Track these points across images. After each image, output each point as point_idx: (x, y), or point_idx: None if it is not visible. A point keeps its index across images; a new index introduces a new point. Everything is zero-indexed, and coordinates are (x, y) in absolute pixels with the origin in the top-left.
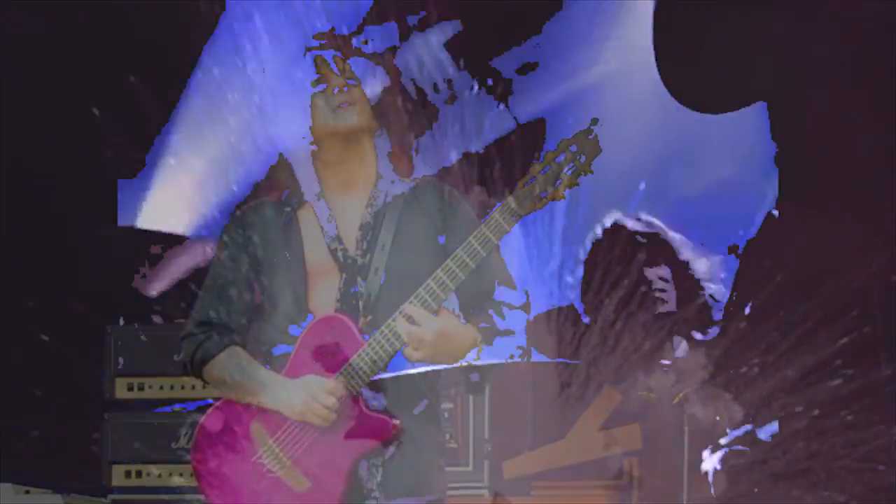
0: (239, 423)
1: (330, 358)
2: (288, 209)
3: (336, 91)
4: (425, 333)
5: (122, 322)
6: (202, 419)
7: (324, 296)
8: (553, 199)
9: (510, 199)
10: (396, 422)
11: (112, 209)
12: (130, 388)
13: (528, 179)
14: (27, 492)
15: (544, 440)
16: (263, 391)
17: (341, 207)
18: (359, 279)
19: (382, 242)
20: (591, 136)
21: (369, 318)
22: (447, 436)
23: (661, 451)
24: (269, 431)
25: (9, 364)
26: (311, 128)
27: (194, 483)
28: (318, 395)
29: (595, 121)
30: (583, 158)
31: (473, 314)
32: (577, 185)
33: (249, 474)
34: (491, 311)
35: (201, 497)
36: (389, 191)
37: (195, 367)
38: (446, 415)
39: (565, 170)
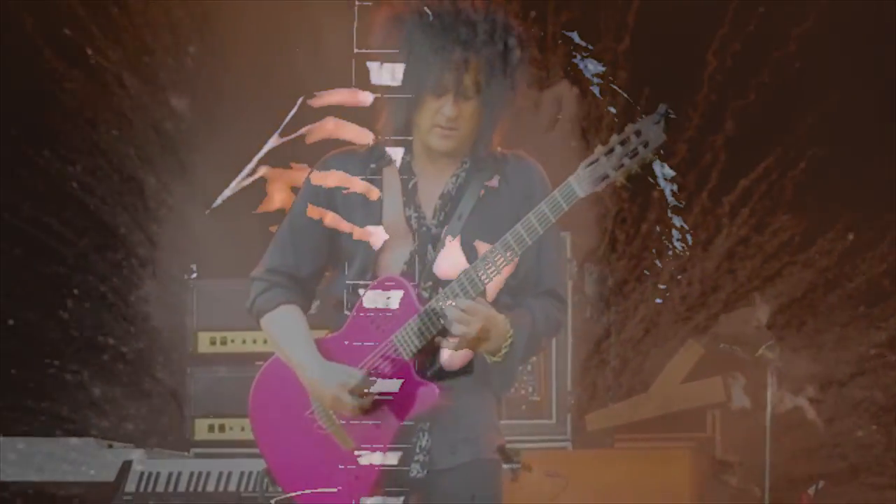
0: (294, 378)
1: (386, 321)
2: (373, 165)
3: (444, 112)
4: (477, 315)
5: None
6: (258, 372)
7: (393, 259)
8: (615, 184)
9: (571, 180)
10: (442, 390)
11: None
12: (213, 343)
13: (592, 161)
14: (110, 445)
15: (627, 393)
16: (299, 369)
17: (426, 173)
18: (429, 247)
19: (460, 213)
20: (657, 123)
21: (430, 284)
22: (530, 388)
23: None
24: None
25: (92, 319)
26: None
27: None
28: (343, 395)
29: (664, 108)
30: (647, 145)
31: (513, 303)
32: (640, 171)
33: (300, 429)
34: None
35: None
36: (478, 163)
37: (253, 315)
38: (529, 367)
39: (628, 155)
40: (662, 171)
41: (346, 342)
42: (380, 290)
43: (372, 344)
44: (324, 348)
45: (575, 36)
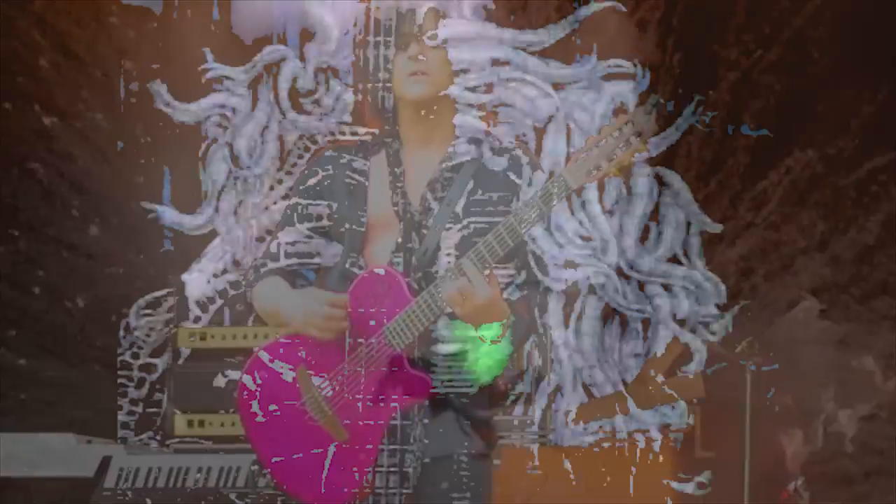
0: (284, 369)
1: (377, 312)
2: (362, 156)
3: (409, 57)
4: (476, 292)
5: None
6: (247, 363)
7: (380, 248)
8: (606, 175)
9: (563, 171)
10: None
11: None
12: (192, 338)
13: (583, 152)
14: (89, 441)
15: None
16: (279, 311)
17: (414, 161)
18: (414, 235)
19: (448, 201)
20: (648, 114)
21: (419, 274)
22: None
23: (724, 400)
24: (314, 379)
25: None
26: (391, 84)
27: None
28: (314, 307)
29: (655, 98)
30: (639, 136)
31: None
32: (632, 163)
33: (290, 421)
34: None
35: None
36: (466, 151)
37: (248, 301)
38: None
39: (620, 146)
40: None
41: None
42: (372, 280)
43: (362, 339)
44: (316, 340)
45: None
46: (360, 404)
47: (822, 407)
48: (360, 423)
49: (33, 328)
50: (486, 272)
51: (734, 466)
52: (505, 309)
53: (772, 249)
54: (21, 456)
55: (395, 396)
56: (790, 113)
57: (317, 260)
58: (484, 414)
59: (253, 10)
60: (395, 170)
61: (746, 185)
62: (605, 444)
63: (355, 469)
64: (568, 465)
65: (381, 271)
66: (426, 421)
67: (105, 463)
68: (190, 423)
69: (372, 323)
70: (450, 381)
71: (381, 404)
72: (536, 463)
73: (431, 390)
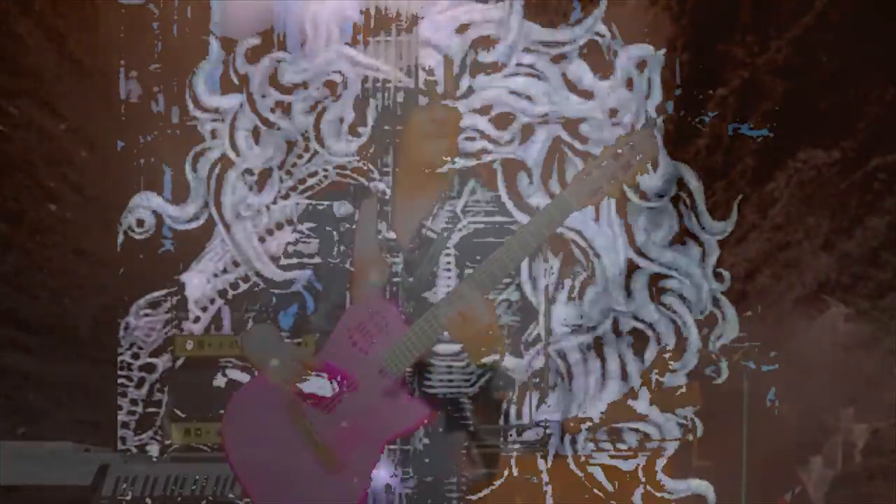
0: (275, 398)
1: (370, 342)
2: (348, 200)
3: (433, 119)
4: (478, 317)
5: None
6: (237, 391)
7: (370, 283)
8: (609, 196)
9: (564, 193)
10: (432, 410)
11: None
12: (190, 346)
13: (585, 174)
14: (87, 450)
15: None
16: (261, 361)
17: (406, 202)
18: (403, 271)
19: (445, 234)
20: (650, 136)
21: (412, 304)
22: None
23: (721, 408)
24: (304, 409)
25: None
26: (403, 131)
27: None
28: (290, 365)
29: (653, 120)
30: (640, 157)
31: None
32: (635, 184)
33: (280, 450)
34: None
35: None
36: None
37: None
38: None
39: (622, 167)
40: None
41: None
42: (363, 312)
43: (357, 366)
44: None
45: None
46: (352, 432)
47: (839, 424)
48: (352, 450)
49: (34, 328)
50: (487, 297)
51: (732, 475)
52: (501, 336)
53: (778, 250)
54: (17, 464)
55: (391, 423)
56: (796, 113)
57: (317, 260)
58: (488, 436)
59: (248, 10)
60: (386, 208)
61: (754, 186)
62: (608, 454)
63: (348, 496)
64: (564, 471)
65: (373, 302)
66: (426, 441)
67: (102, 471)
68: (187, 432)
69: (363, 353)
70: (450, 380)
71: (375, 431)
72: (540, 471)
73: (428, 420)
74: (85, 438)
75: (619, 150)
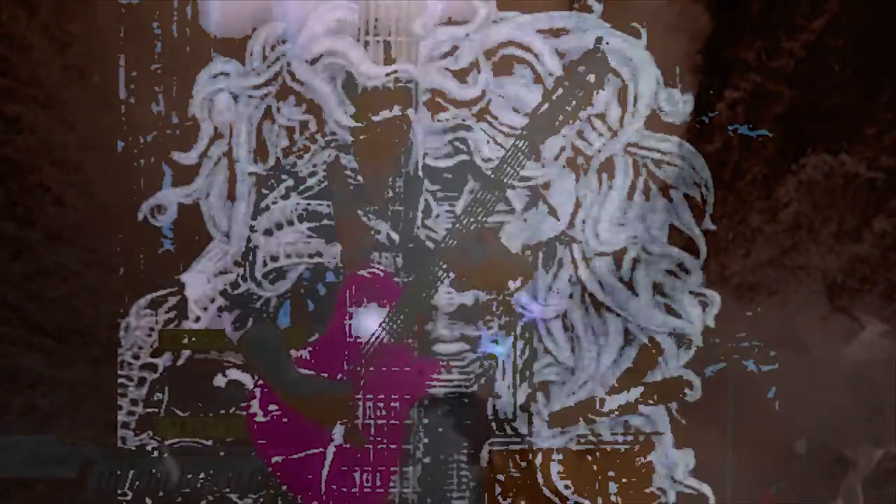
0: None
1: (371, 309)
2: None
3: None
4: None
5: None
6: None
7: (359, 251)
8: (569, 123)
9: (526, 128)
10: (443, 364)
11: None
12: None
13: (541, 106)
14: (73, 443)
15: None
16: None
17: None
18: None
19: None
20: (598, 55)
21: (411, 276)
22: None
23: (707, 401)
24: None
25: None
26: None
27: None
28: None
29: (600, 39)
30: (591, 78)
31: None
32: (591, 104)
33: (307, 433)
34: None
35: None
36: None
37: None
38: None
39: (577, 91)
40: None
41: (331, 343)
42: (360, 280)
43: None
44: (309, 355)
45: None
46: (370, 404)
47: (858, 460)
48: (380, 428)
49: (34, 329)
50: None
51: (717, 469)
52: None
53: (786, 252)
54: (2, 459)
55: (412, 386)
56: (805, 117)
57: (317, 260)
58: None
59: (244, 10)
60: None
61: (761, 189)
62: (589, 446)
63: (380, 469)
64: (553, 467)
65: (365, 271)
66: (426, 421)
67: (87, 465)
68: (183, 426)
69: (367, 322)
70: (449, 380)
71: (398, 404)
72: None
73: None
74: (85, 438)
75: (570, 76)
